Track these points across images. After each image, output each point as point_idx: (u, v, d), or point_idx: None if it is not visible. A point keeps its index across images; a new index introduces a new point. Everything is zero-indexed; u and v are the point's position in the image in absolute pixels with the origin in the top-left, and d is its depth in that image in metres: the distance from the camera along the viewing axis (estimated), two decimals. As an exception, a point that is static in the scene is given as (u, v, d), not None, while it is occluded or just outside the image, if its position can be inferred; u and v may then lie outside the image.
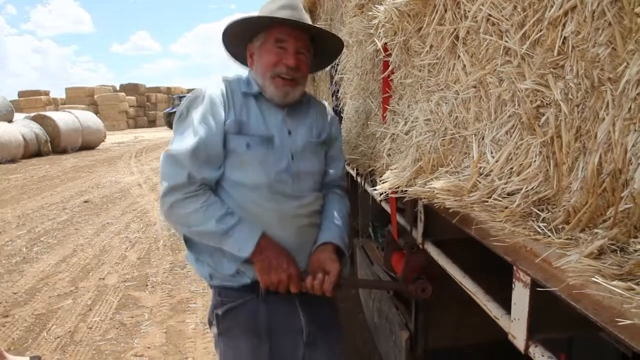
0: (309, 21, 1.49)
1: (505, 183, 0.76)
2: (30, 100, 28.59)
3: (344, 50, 1.98)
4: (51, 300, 4.33)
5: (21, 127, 16.35)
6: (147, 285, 4.57)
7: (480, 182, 0.81)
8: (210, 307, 1.57)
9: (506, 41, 0.79)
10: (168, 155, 1.39)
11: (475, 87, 0.90)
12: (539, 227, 0.68)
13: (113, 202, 8.70)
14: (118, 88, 37.61)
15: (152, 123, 36.78)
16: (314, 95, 1.76)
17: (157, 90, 39.71)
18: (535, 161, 0.71)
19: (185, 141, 1.38)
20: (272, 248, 1.40)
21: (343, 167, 1.72)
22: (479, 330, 1.84)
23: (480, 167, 0.82)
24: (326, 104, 1.74)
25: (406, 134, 1.19)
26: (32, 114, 18.82)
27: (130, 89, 37.17)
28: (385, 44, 1.34)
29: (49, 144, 17.40)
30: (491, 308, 0.95)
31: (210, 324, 1.57)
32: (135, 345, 3.48)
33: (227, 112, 1.43)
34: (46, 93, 30.96)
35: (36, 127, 17.13)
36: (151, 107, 38.32)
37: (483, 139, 0.85)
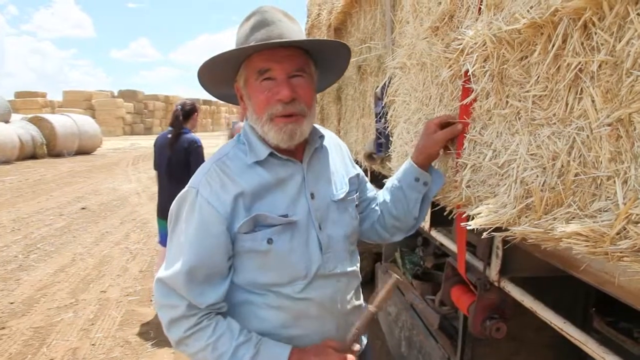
0: (296, 33, 1.17)
1: (670, 234, 0.68)
2: (26, 102, 28.44)
3: (397, 72, 1.92)
4: (50, 312, 4.17)
5: (17, 128, 16.20)
6: (151, 300, 4.38)
7: (630, 230, 0.74)
8: None
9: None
10: (160, 283, 1.17)
11: (610, 124, 0.83)
12: None
13: (111, 210, 8.56)
14: (116, 94, 37.51)
15: (148, 130, 36.72)
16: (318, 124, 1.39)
17: (155, 98, 39.72)
18: None
19: (177, 262, 1.14)
20: (305, 355, 1.17)
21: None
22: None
23: (630, 214, 0.75)
24: (330, 133, 1.42)
25: (500, 167, 1.11)
26: (29, 116, 18.64)
27: (128, 95, 37.07)
28: (467, 70, 1.27)
29: (45, 147, 17.20)
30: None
31: None
32: (142, 366, 3.34)
33: (234, 216, 1.14)
34: (43, 95, 30.80)
35: (33, 129, 16.95)
36: (148, 114, 38.35)
37: (626, 182, 0.78)
